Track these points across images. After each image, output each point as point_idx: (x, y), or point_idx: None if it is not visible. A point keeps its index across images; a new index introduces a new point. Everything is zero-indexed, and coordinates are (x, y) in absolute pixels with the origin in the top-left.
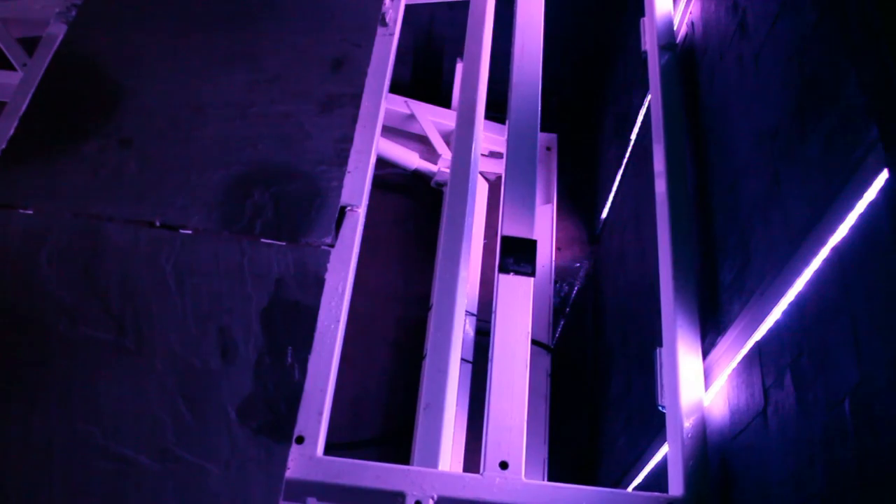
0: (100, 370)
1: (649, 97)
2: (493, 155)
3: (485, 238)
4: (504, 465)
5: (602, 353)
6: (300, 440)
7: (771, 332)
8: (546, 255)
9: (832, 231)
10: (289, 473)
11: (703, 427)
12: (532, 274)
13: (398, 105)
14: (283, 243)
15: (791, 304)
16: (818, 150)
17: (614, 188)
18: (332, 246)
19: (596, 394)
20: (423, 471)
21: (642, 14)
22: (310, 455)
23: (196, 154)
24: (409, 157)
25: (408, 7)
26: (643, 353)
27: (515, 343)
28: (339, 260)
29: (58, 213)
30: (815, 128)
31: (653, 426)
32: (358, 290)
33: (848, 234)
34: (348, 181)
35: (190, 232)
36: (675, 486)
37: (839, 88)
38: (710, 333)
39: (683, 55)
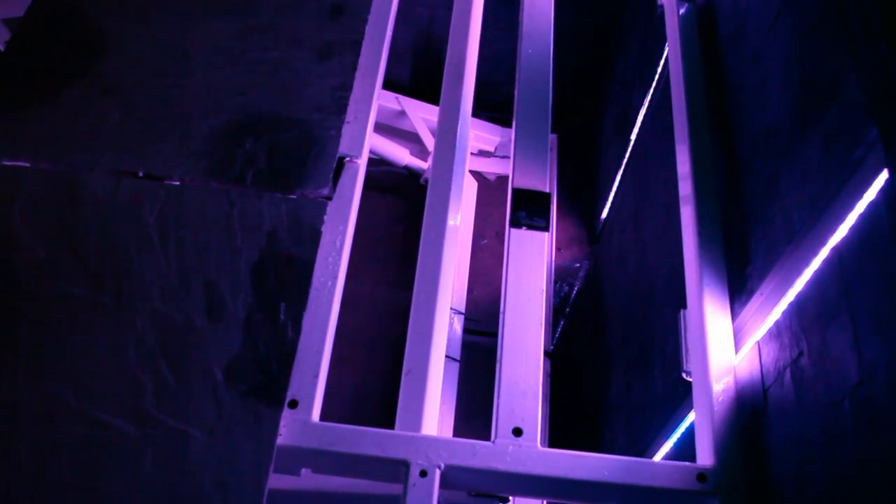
0: (74, 328)
1: (667, 50)
2: (484, 154)
3: (483, 238)
4: (518, 432)
5: (602, 353)
6: (293, 404)
7: (771, 331)
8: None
9: (832, 231)
10: (280, 440)
11: (734, 390)
12: (546, 228)
13: (389, 101)
14: (276, 194)
15: (791, 304)
16: (818, 150)
17: (614, 188)
18: (329, 198)
19: (596, 394)
20: (429, 437)
21: (641, 14)
22: (304, 420)
23: (183, 102)
24: (399, 153)
25: (407, 7)
26: (643, 353)
27: (528, 302)
28: (337, 212)
29: (33, 163)
30: (814, 128)
31: (654, 425)
32: (357, 288)
33: (848, 234)
34: (347, 132)
35: (176, 183)
36: (704, 456)
37: (839, 88)
38: None
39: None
